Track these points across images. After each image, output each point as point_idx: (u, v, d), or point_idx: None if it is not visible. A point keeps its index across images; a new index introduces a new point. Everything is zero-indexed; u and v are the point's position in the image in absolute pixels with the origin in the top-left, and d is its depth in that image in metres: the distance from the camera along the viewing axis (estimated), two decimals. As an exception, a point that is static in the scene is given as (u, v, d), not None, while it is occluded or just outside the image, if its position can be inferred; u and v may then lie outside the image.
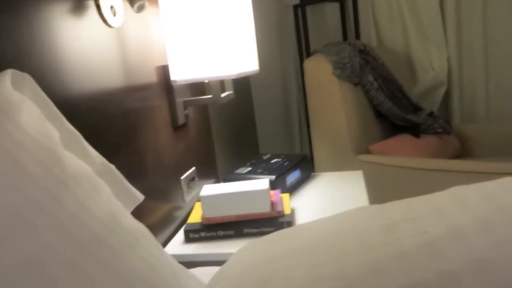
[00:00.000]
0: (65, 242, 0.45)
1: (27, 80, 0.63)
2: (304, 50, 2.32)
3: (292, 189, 1.28)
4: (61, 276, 0.42)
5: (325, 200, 1.20)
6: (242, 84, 2.11)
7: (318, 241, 0.52)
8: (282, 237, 0.61)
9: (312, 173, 1.45)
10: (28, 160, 0.48)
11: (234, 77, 1.12)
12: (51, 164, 0.50)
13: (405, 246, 0.44)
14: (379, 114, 1.85)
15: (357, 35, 2.34)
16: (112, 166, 0.74)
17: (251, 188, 1.02)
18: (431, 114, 1.92)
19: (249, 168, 1.31)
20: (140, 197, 0.76)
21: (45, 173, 0.48)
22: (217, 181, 1.50)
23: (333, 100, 1.73)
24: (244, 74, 1.15)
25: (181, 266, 0.59)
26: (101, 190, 0.56)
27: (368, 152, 1.71)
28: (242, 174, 1.26)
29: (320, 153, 1.76)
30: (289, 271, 0.48)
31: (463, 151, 1.99)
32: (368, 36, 2.33)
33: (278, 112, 2.40)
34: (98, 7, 0.90)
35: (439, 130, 1.83)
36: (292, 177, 1.29)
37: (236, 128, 1.92)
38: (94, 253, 0.46)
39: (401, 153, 1.64)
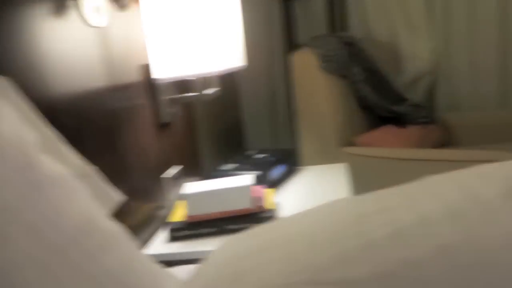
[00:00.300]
0: (37, 246, 0.46)
1: (5, 83, 0.64)
2: (291, 44, 2.32)
3: (277, 184, 1.30)
4: (32, 280, 0.43)
5: (310, 193, 1.22)
6: (229, 79, 2.11)
7: (292, 234, 0.54)
8: (259, 232, 0.63)
9: (298, 167, 1.47)
10: None
11: (219, 74, 1.12)
12: (23, 167, 0.51)
13: (374, 236, 0.45)
14: (365, 106, 1.87)
15: (345, 27, 2.34)
16: (91, 168, 0.75)
17: (233, 184, 1.03)
18: (415, 105, 1.94)
19: (234, 165, 1.32)
20: (120, 198, 0.76)
21: (16, 176, 0.49)
22: (203, 178, 1.51)
23: (319, 93, 1.74)
24: (230, 70, 1.15)
25: (159, 266, 0.60)
26: (78, 192, 0.57)
27: (354, 144, 1.73)
28: (227, 170, 1.27)
29: (306, 147, 1.78)
30: (263, 265, 0.50)
31: (449, 140, 2.01)
32: (355, 28, 2.34)
33: (266, 106, 2.41)
34: (80, 7, 0.90)
35: (423, 120, 1.85)
36: (277, 172, 1.30)
37: (223, 125, 1.93)
38: (67, 256, 0.47)
39: (386, 144, 1.66)
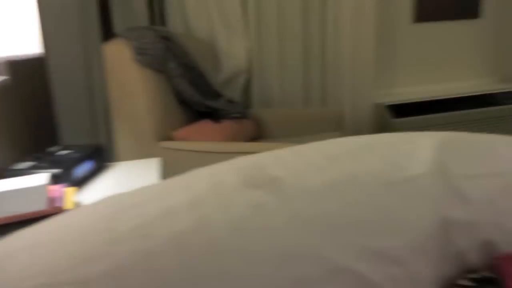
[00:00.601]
0: None
1: None
2: (109, 34, 2.20)
3: (82, 182, 1.22)
4: None
5: (119, 190, 1.18)
6: (36, 68, 1.89)
7: (46, 237, 0.51)
8: (17, 236, 0.58)
9: (109, 163, 1.40)
10: None
11: (6, 61, 0.98)
12: None
13: (120, 231, 0.46)
14: (182, 101, 1.90)
15: (164, 21, 2.33)
16: None
17: (24, 185, 0.92)
18: (230, 100, 2.06)
19: (32, 163, 1.19)
20: None
21: None
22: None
23: (134, 87, 1.70)
24: (17, 58, 1.03)
25: None
26: None
27: (171, 138, 1.74)
28: (21, 170, 1.13)
29: (122, 141, 1.72)
30: (27, 268, 0.46)
31: (261, 134, 2.20)
32: (176, 23, 2.35)
33: (83, 100, 2.24)
34: None
35: (237, 115, 1.98)
36: (82, 169, 1.22)
37: (24, 119, 1.72)
38: None
39: (202, 138, 1.72)
